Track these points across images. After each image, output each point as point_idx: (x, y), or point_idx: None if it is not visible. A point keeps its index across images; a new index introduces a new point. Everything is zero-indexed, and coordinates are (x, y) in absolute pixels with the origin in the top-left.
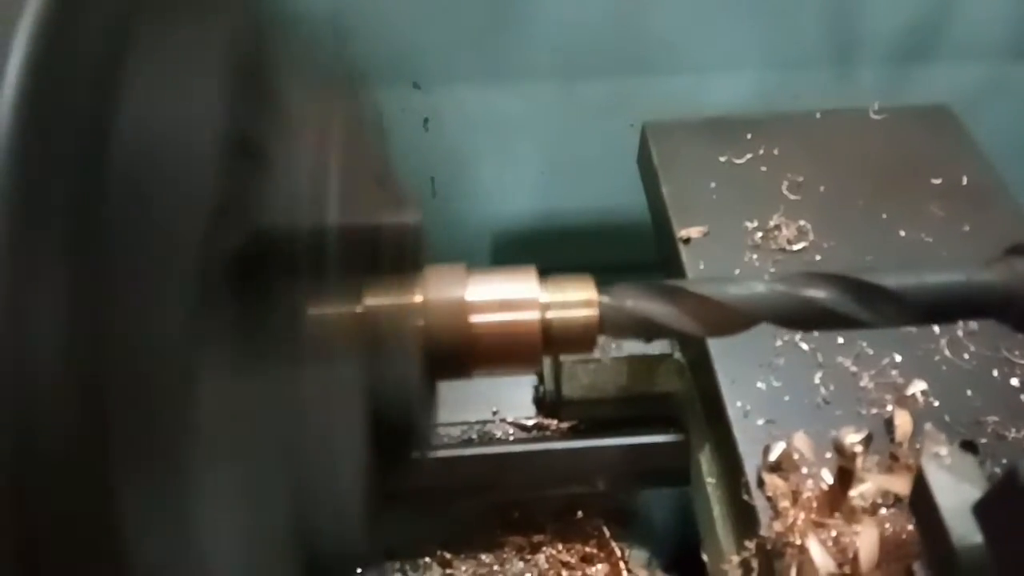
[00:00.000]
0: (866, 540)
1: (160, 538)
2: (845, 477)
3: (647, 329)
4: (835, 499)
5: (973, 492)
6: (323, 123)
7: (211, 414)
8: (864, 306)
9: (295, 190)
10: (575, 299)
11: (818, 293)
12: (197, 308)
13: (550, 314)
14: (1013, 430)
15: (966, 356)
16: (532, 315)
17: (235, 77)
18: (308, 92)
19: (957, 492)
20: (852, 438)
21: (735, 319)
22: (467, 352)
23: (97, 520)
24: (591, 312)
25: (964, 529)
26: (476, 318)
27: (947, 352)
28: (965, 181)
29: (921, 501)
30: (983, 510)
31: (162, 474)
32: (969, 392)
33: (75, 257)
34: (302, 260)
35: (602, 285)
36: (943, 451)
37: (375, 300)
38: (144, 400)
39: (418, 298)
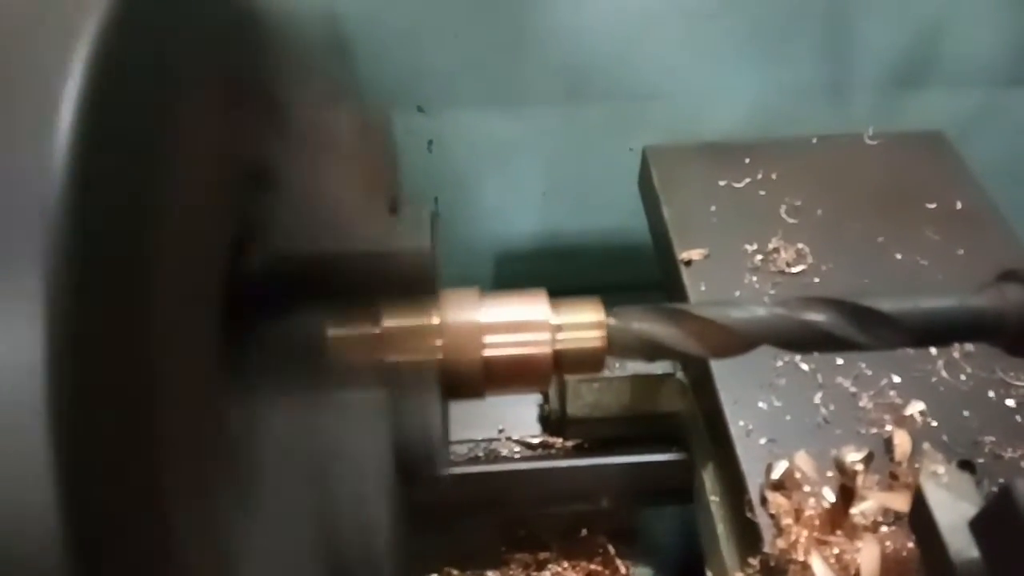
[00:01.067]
0: (867, 557)
1: (197, 556)
2: (847, 495)
3: (653, 351)
4: (837, 516)
5: (970, 509)
6: (340, 149)
7: (241, 438)
8: (861, 329)
9: (314, 217)
10: (584, 321)
11: (817, 317)
12: (224, 334)
13: (560, 336)
14: (1009, 450)
15: (963, 377)
16: (543, 336)
17: (253, 107)
18: (324, 118)
19: (954, 509)
20: (853, 456)
21: (737, 341)
22: (481, 373)
23: (146, 531)
24: (600, 334)
25: (961, 544)
26: (490, 339)
27: (944, 373)
28: (959, 206)
29: (920, 518)
30: (979, 526)
31: (196, 495)
32: (966, 413)
33: (116, 289)
34: (322, 285)
35: (605, 306)
36: (941, 470)
37: (393, 322)
38: (176, 424)
39: (435, 320)
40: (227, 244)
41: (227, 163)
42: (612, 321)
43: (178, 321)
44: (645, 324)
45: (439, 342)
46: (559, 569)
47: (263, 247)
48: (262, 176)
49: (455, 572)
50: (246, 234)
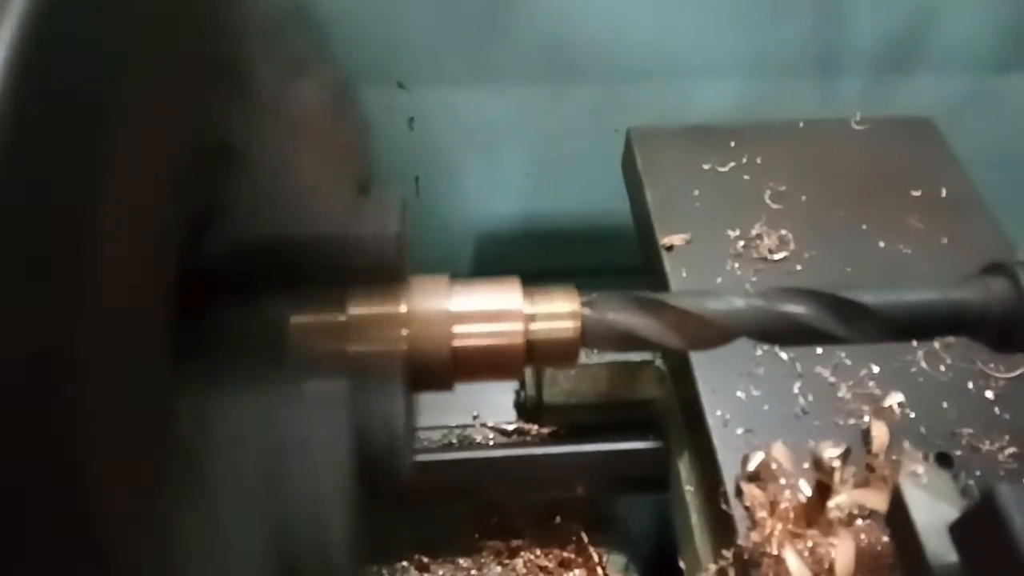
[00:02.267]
0: (842, 552)
1: (140, 549)
2: (823, 491)
3: (628, 342)
4: (812, 512)
5: (949, 510)
6: (308, 128)
7: (191, 429)
8: (842, 322)
9: (277, 198)
10: (559, 311)
11: (797, 309)
12: (177, 320)
13: (534, 326)
14: (987, 442)
15: (942, 368)
16: (516, 327)
17: (214, 82)
18: (290, 92)
19: (933, 510)
20: (830, 452)
21: (715, 333)
22: (450, 364)
23: (81, 525)
24: (574, 324)
25: (939, 547)
26: (460, 329)
27: (924, 364)
28: (944, 193)
29: (898, 518)
30: (959, 530)
31: (141, 489)
32: (945, 404)
33: (54, 266)
34: (283, 270)
35: (585, 289)
36: (920, 469)
37: (358, 310)
38: (122, 413)
39: (402, 308)
40: (182, 225)
41: (182, 139)
42: (587, 311)
43: (125, 308)
44: (621, 315)
45: (406, 331)
46: (532, 557)
47: (222, 228)
48: (222, 153)
49: (426, 559)
50: (204, 215)
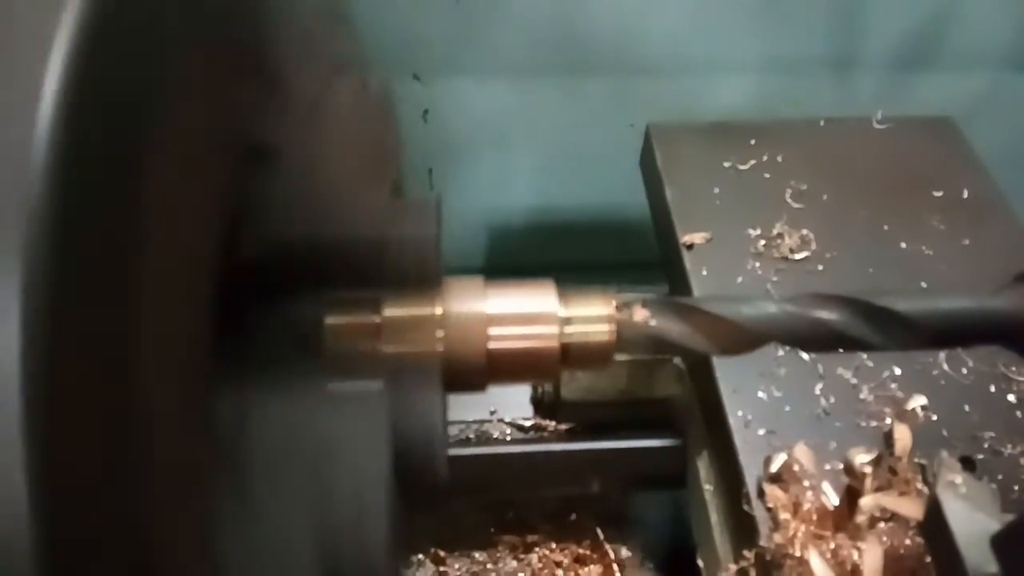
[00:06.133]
0: (870, 558)
1: (186, 557)
2: (852, 496)
3: (661, 346)
4: (841, 518)
5: (988, 521)
6: (342, 126)
7: (231, 433)
8: (875, 329)
9: (314, 198)
10: (594, 314)
11: (829, 315)
12: (215, 322)
13: (569, 329)
14: (1009, 446)
15: (964, 371)
16: (551, 330)
17: (250, 80)
18: (326, 92)
19: (972, 521)
20: (862, 458)
21: (747, 338)
22: (485, 366)
23: (122, 532)
24: (609, 328)
25: (979, 558)
26: (495, 331)
27: (946, 367)
28: (966, 194)
29: (936, 529)
30: (1002, 543)
31: (187, 498)
32: (967, 407)
33: (99, 279)
34: (320, 270)
35: (598, 284)
36: (958, 479)
37: (394, 312)
38: (162, 420)
39: (438, 310)
40: (220, 226)
41: (221, 139)
42: (621, 315)
43: (166, 311)
44: (654, 319)
45: (441, 333)
46: (547, 552)
47: (259, 229)
48: (259, 153)
49: (442, 553)
50: (241, 215)
